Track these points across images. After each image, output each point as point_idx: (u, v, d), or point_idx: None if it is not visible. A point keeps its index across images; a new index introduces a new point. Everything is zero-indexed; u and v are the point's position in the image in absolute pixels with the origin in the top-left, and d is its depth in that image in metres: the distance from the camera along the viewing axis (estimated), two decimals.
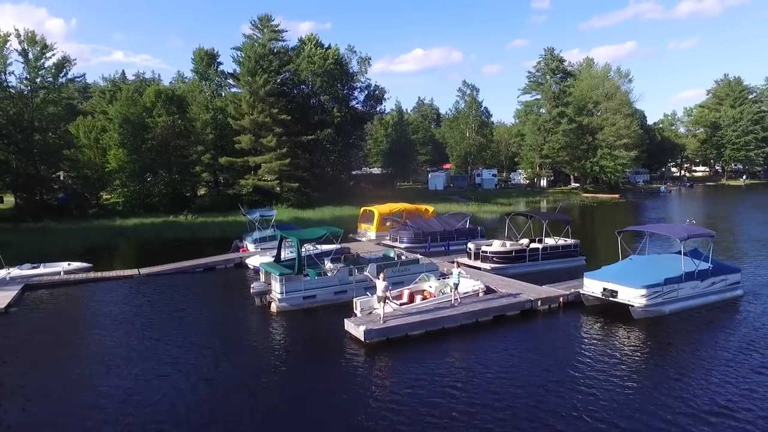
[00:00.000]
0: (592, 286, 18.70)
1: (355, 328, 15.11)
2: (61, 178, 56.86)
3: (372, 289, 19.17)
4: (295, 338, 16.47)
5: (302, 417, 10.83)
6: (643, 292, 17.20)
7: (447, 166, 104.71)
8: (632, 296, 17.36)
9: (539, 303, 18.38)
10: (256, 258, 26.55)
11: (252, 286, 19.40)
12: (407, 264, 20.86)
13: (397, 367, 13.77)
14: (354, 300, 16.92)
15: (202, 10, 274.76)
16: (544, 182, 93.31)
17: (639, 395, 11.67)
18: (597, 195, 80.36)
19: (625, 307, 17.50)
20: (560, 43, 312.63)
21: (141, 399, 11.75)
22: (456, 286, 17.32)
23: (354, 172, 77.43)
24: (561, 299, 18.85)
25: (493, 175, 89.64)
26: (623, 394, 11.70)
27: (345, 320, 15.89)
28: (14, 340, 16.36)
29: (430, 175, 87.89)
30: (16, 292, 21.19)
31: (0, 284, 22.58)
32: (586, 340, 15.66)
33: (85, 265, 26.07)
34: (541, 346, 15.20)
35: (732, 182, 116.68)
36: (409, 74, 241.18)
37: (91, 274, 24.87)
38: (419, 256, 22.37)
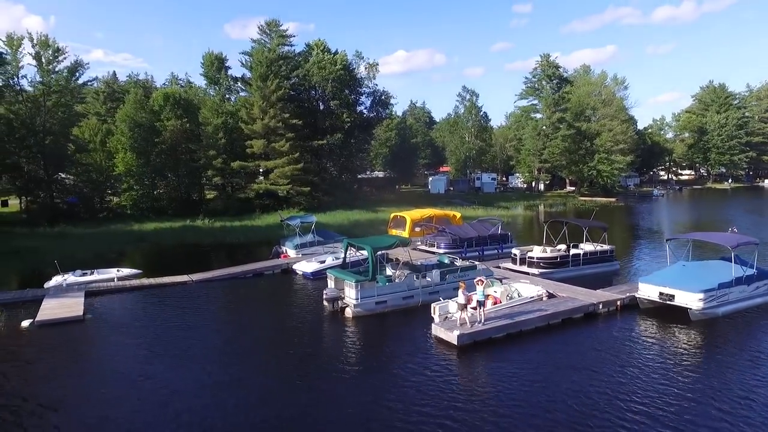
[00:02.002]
0: (648, 290, 19.80)
1: (446, 333, 15.95)
2: (60, 179, 55.95)
3: (436, 294, 20.23)
4: (384, 341, 17.29)
5: (426, 414, 11.63)
6: (701, 296, 18.36)
7: (443, 168, 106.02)
8: (690, 300, 18.50)
9: (600, 306, 19.45)
10: (303, 264, 27.21)
11: (325, 292, 20.06)
12: (466, 270, 21.74)
13: (497, 367, 14.62)
14: (432, 305, 17.72)
15: (183, 9, 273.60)
16: (541, 186, 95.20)
17: (706, 389, 12.87)
18: (594, 198, 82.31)
19: (679, 309, 18.69)
20: (542, 46, 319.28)
21: (238, 403, 12.39)
22: (481, 303, 17.07)
23: (358, 176, 78.14)
24: (618, 302, 19.95)
25: (492, 178, 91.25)
26: (693, 388, 12.90)
27: (433, 325, 16.76)
28: (101, 345, 16.84)
29: (431, 179, 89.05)
30: (83, 299, 21.49)
31: (60, 291, 22.90)
32: (649, 340, 16.79)
33: (135, 271, 26.38)
34: (609, 346, 16.23)
35: (718, 186, 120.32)
36: (392, 76, 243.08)
37: (144, 281, 25.16)
38: (476, 262, 23.31)
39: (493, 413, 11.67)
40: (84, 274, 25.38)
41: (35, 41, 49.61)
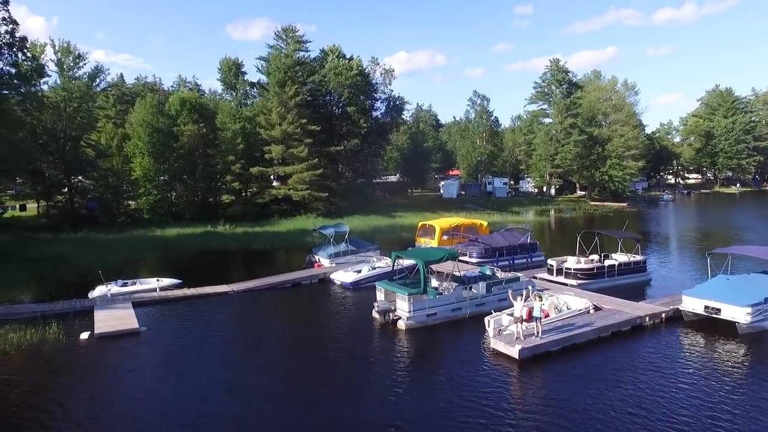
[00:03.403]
0: (692, 303, 20.08)
1: (507, 347, 16.26)
2: (80, 183, 56.04)
3: (483, 306, 20.62)
4: (443, 353, 17.68)
5: (508, 425, 12.01)
6: (749, 310, 18.66)
7: (454, 172, 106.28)
8: (738, 314, 18.80)
9: (647, 319, 19.76)
10: (341, 273, 27.50)
11: (375, 304, 20.42)
12: (510, 281, 22.04)
13: (560, 380, 14.92)
14: (486, 319, 18.04)
15: (183, 9, 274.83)
16: (552, 190, 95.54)
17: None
18: (605, 203, 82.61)
19: (724, 323, 19.00)
20: (543, 47, 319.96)
21: (338, 406, 12.77)
22: (538, 319, 17.05)
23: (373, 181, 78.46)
24: (663, 315, 20.25)
25: (504, 183, 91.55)
26: (752, 403, 13.23)
27: (491, 339, 17.11)
28: (170, 356, 17.05)
29: (442, 183, 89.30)
30: (132, 310, 21.74)
31: (107, 302, 23.16)
32: (701, 354, 17.13)
33: (175, 281, 26.57)
34: (664, 359, 16.56)
35: (725, 190, 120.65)
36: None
37: (187, 291, 25.36)
38: (519, 274, 23.62)
39: (571, 424, 12.09)
40: (125, 284, 25.62)
41: (57, 47, 50.02)
